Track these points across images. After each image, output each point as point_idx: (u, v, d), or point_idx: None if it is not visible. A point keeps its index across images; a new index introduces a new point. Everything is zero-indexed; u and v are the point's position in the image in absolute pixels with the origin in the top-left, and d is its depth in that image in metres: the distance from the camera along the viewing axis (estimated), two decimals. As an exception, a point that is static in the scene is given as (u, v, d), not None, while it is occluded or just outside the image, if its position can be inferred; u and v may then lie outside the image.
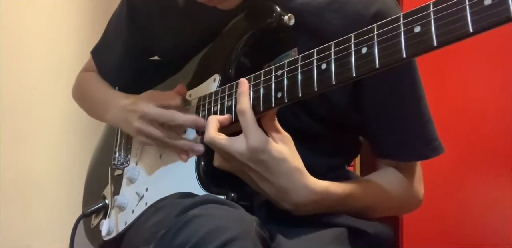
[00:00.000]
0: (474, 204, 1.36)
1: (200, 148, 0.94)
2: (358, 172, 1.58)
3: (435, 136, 1.00)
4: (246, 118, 0.84)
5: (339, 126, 1.01)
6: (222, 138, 0.85)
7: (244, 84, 0.87)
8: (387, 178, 1.01)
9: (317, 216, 0.96)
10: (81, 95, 1.27)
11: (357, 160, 1.53)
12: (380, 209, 0.99)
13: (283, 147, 0.84)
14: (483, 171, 1.40)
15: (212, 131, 0.86)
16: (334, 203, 0.90)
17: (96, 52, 1.26)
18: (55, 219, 1.42)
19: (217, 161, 0.90)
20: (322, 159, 1.00)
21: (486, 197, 1.40)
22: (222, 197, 0.88)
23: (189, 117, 0.96)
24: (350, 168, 1.24)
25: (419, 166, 1.06)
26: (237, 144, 0.83)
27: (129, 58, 1.18)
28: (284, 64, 0.84)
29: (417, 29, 0.67)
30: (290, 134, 0.87)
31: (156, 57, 1.19)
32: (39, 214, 1.42)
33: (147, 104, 0.98)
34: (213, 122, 0.88)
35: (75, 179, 1.42)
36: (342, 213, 0.93)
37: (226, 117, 0.90)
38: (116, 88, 1.18)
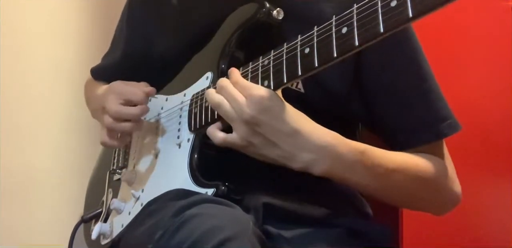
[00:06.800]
0: (474, 204, 1.33)
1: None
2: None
3: (450, 114, 0.94)
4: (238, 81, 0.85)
5: (337, 121, 0.99)
6: (227, 104, 0.84)
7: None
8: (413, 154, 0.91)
9: (317, 216, 0.95)
10: (86, 98, 1.29)
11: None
12: (410, 184, 0.89)
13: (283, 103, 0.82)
14: (483, 171, 1.38)
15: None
16: (350, 158, 0.83)
17: (102, 59, 1.29)
18: (56, 219, 1.42)
19: (218, 137, 0.86)
20: None
21: (486, 197, 1.37)
22: (212, 190, 0.87)
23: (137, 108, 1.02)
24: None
25: (448, 158, 0.96)
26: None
27: (124, 62, 1.19)
28: (270, 52, 0.84)
29: (394, 3, 0.67)
30: None
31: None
32: (40, 214, 1.42)
33: (112, 101, 1.04)
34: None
35: (77, 179, 1.42)
36: (365, 183, 0.85)
37: None
38: None
